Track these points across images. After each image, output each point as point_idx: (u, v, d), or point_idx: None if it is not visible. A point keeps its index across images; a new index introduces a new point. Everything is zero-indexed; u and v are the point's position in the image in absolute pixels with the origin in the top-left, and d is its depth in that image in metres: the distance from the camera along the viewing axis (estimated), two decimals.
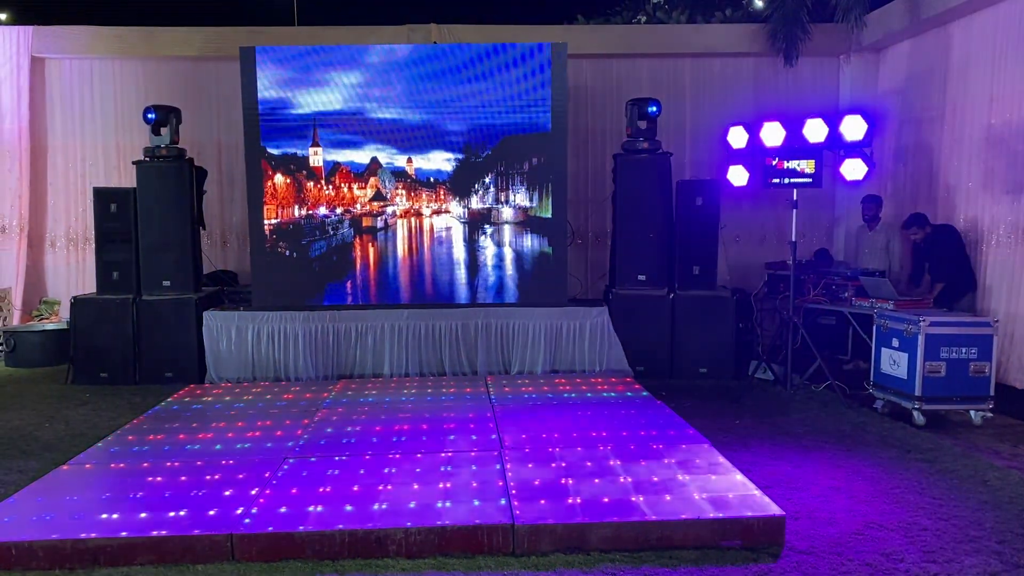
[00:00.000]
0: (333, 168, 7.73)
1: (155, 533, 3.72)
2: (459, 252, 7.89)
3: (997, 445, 5.55)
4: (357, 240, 7.83)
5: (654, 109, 7.78)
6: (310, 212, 7.75)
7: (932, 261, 7.57)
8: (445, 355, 7.48)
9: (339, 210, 7.78)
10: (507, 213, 7.87)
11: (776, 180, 7.14)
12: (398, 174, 7.80)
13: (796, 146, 7.00)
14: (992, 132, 7.44)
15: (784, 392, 7.03)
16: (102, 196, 7.69)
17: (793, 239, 7.22)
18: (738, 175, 7.46)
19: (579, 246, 9.33)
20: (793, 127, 6.97)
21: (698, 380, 7.53)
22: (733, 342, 7.66)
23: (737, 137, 7.43)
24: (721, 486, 4.28)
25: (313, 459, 4.87)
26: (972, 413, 6.03)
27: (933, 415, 6.05)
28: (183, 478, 4.52)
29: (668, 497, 4.13)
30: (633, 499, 4.11)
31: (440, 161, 7.76)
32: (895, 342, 6.16)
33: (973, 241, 7.64)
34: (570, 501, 4.08)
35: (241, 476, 4.55)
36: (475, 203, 7.87)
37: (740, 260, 9.15)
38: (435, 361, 7.50)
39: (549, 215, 7.81)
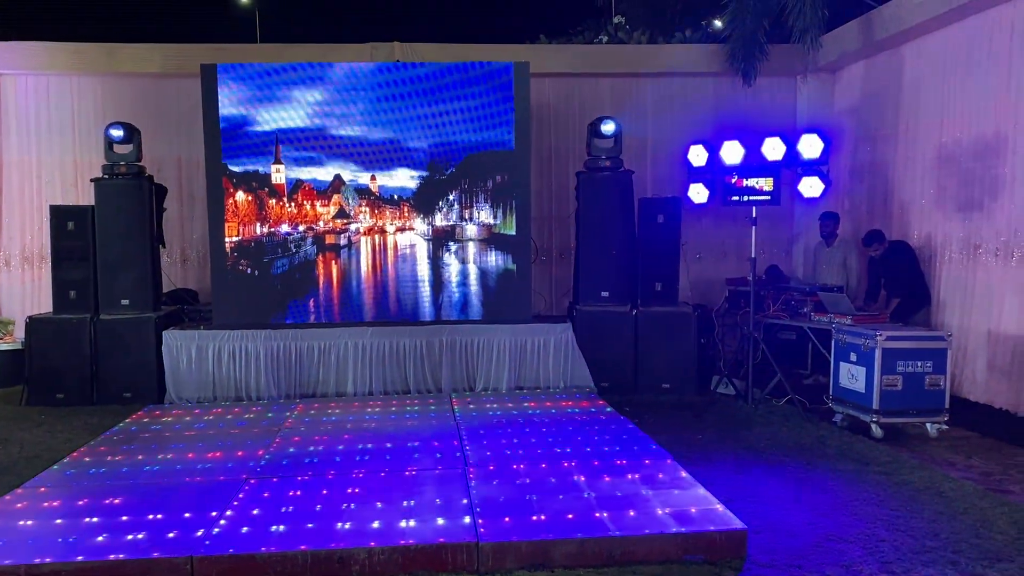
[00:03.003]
0: (296, 185, 7.70)
1: (113, 557, 3.65)
2: (423, 269, 7.87)
3: (952, 457, 5.64)
4: (320, 258, 7.80)
5: (616, 128, 7.85)
6: (272, 230, 7.71)
7: (888, 277, 7.68)
8: (409, 373, 7.46)
9: (302, 227, 7.74)
10: (471, 230, 7.90)
11: (736, 197, 7.21)
12: (362, 191, 7.79)
13: (755, 164, 7.07)
14: (943, 151, 7.60)
15: (746, 407, 7.08)
16: (59, 214, 7.56)
17: (753, 255, 7.29)
18: (699, 193, 7.52)
19: (543, 263, 9.39)
20: (752, 145, 7.06)
21: (661, 395, 7.56)
22: (695, 357, 7.72)
23: (697, 155, 7.49)
24: (684, 501, 4.31)
25: (275, 479, 4.82)
26: (928, 426, 6.10)
27: (891, 428, 6.11)
28: (142, 500, 4.44)
29: (632, 512, 4.15)
30: (597, 515, 4.12)
31: (404, 178, 7.77)
32: (853, 356, 6.23)
33: (927, 257, 7.78)
34: (534, 518, 4.09)
35: (202, 498, 4.48)
36: (439, 220, 7.87)
37: (702, 276, 9.23)
38: (399, 379, 7.46)
39: (513, 232, 7.86)
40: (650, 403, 7.29)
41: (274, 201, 7.70)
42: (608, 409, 6.65)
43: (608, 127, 7.85)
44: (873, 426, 6.06)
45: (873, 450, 5.75)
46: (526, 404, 6.89)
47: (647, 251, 7.88)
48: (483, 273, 7.91)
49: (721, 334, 7.98)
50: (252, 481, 4.80)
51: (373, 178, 7.79)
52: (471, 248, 7.91)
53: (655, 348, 7.68)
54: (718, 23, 10.86)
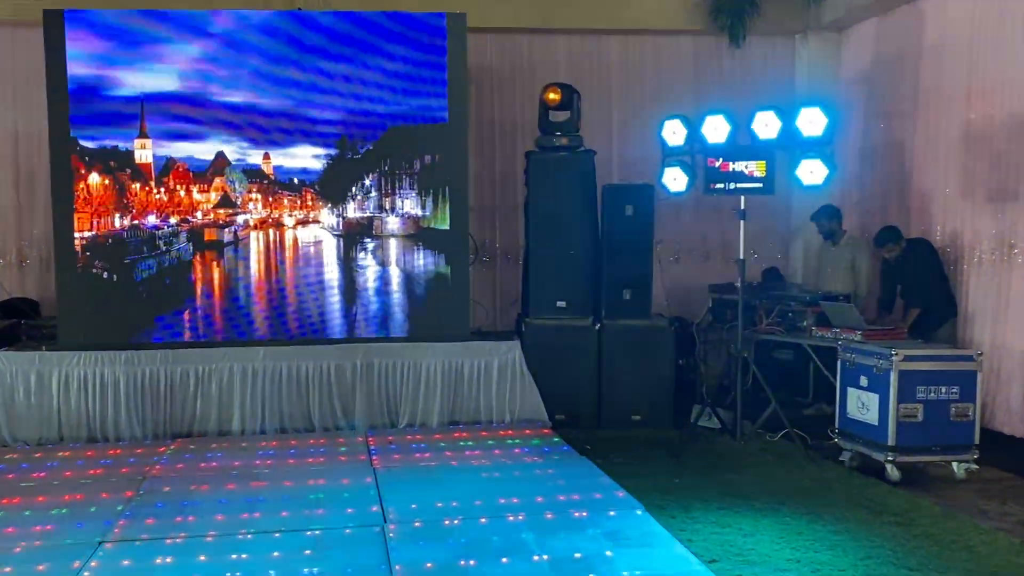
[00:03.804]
0: (166, 165, 7.61)
1: None
2: (331, 273, 7.82)
3: (983, 503, 5.70)
4: (198, 258, 7.72)
5: (574, 98, 7.82)
6: (136, 222, 7.60)
7: (906, 283, 7.77)
8: (313, 405, 7.44)
9: (174, 220, 7.67)
10: (393, 224, 7.86)
11: (720, 185, 7.22)
12: (252, 174, 7.72)
13: (744, 144, 7.12)
14: (971, 129, 7.72)
15: (733, 443, 7.14)
16: None
17: (741, 256, 7.31)
18: (676, 179, 7.44)
19: (485, 265, 9.36)
20: (741, 121, 7.10)
21: (630, 430, 7.60)
22: (672, 382, 7.77)
23: (674, 132, 7.44)
24: (658, 561, 4.35)
25: (138, 543, 4.74)
26: (954, 465, 6.17)
27: (909, 468, 6.17)
28: None
29: None
30: None
31: (307, 158, 7.72)
32: (863, 381, 6.28)
33: (953, 259, 7.87)
34: None
35: (42, 568, 4.37)
36: (352, 211, 7.83)
37: (680, 282, 9.18)
38: (300, 413, 7.44)
39: (447, 226, 7.85)
40: (617, 440, 7.32)
41: (138, 186, 7.58)
42: (565, 447, 6.70)
43: (565, 97, 7.84)
44: (888, 466, 6.12)
45: (889, 496, 5.82)
46: (462, 443, 6.91)
47: (613, 251, 7.92)
48: (408, 278, 7.87)
49: (704, 353, 8.08)
50: (108, 545, 4.69)
51: (267, 157, 7.72)
52: (393, 246, 7.87)
53: (623, 371, 7.74)
54: None
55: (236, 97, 7.60)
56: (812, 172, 6.86)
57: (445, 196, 7.85)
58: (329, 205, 7.84)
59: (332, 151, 7.77)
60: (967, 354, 6.24)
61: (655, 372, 7.74)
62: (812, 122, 6.80)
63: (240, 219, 7.77)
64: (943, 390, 6.07)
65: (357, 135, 7.74)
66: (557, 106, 7.96)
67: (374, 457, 6.49)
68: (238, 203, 7.75)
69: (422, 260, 7.89)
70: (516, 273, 9.03)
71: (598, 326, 7.82)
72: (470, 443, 6.90)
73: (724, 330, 7.84)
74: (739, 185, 7.19)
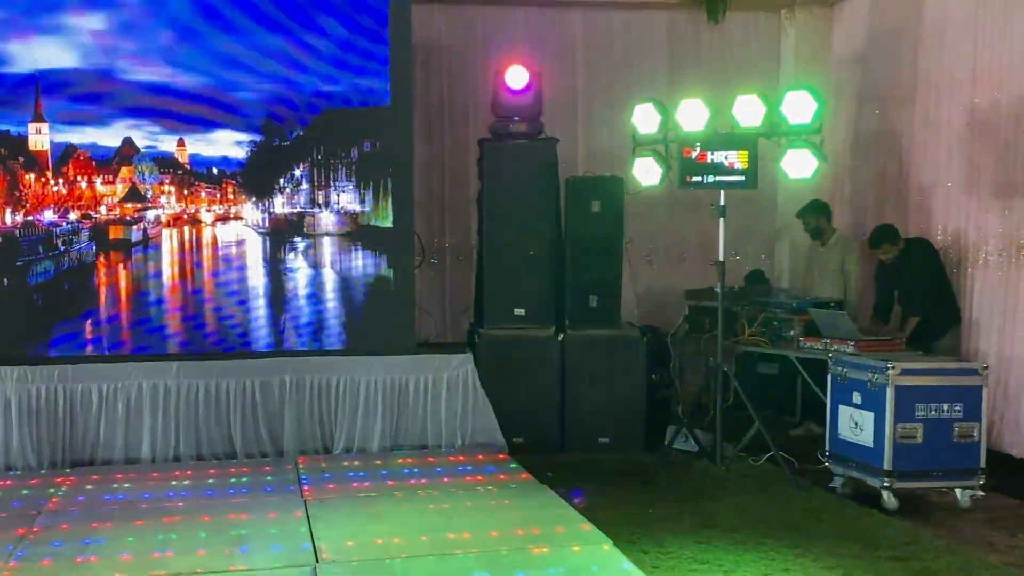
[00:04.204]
0: (65, 153, 7.52)
1: None
2: (256, 277, 7.78)
3: (990, 534, 5.76)
4: (102, 259, 7.62)
5: (534, 79, 7.86)
6: (30, 218, 7.50)
7: (903, 288, 7.86)
8: (236, 428, 7.37)
9: (74, 215, 7.58)
10: (328, 220, 7.84)
11: (697, 178, 7.26)
12: (164, 163, 7.65)
13: (724, 132, 7.18)
14: (976, 115, 7.78)
15: (713, 468, 7.19)
16: None
17: (721, 258, 7.33)
18: (648, 170, 7.49)
19: (432, 268, 9.34)
20: (720, 106, 7.18)
21: (598, 454, 7.63)
22: (644, 400, 7.83)
23: (646, 118, 7.49)
24: None
25: None
26: (958, 492, 6.22)
27: (908, 495, 6.23)
28: None
29: None
30: None
31: (228, 145, 7.67)
32: (857, 397, 6.35)
33: (955, 261, 7.94)
34: None
35: None
36: (280, 206, 7.80)
37: (653, 287, 9.27)
38: (220, 438, 7.38)
39: (389, 224, 7.85)
40: (582, 465, 7.36)
41: (33, 176, 7.51)
42: (523, 475, 6.68)
43: (523, 77, 7.86)
44: (885, 493, 6.17)
45: (885, 527, 5.86)
46: (407, 470, 6.88)
47: (578, 252, 7.97)
48: (345, 283, 7.86)
49: (679, 368, 8.15)
50: None
51: (181, 143, 7.66)
52: (327, 246, 7.85)
53: (589, 388, 7.78)
54: None
55: (147, 75, 7.49)
56: (799, 163, 6.92)
57: (387, 189, 7.84)
58: (253, 199, 7.78)
59: (257, 137, 7.70)
60: (971, 367, 6.32)
61: (625, 389, 7.79)
62: (799, 108, 6.84)
63: (151, 215, 7.69)
64: (945, 408, 6.13)
65: (286, 119, 7.69)
66: (515, 88, 7.94)
67: (305, 487, 6.43)
68: (148, 196, 7.65)
69: (361, 262, 7.86)
70: (468, 277, 9.08)
71: (561, 337, 7.86)
72: (415, 470, 6.88)
73: (702, 341, 7.83)
74: (718, 178, 7.23)
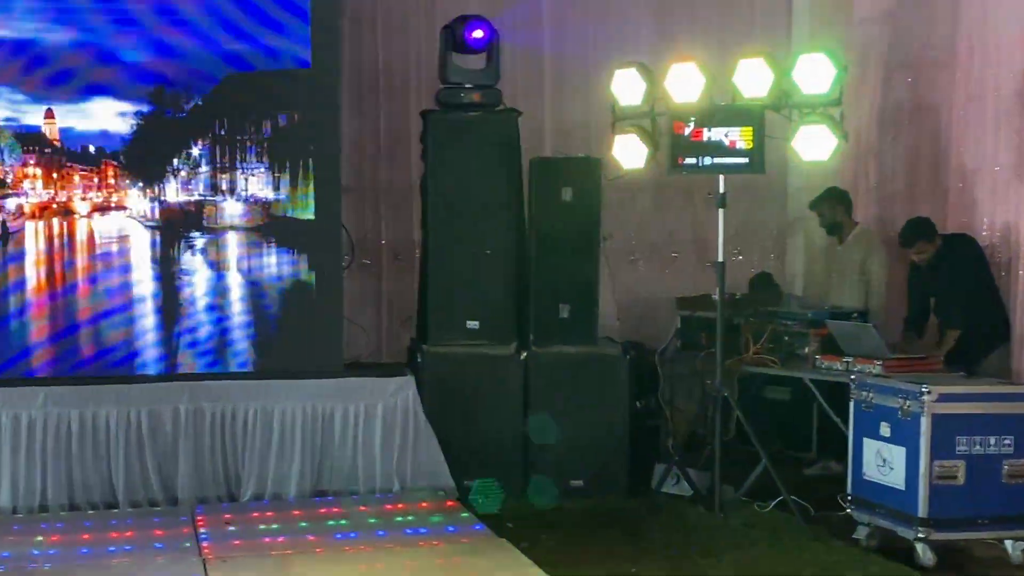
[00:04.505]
0: None
1: None
2: (144, 282, 7.48)
3: None
4: None
5: (490, 35, 7.61)
6: None
7: (941, 295, 7.60)
8: (117, 470, 7.02)
9: None
10: (233, 211, 7.59)
11: (691, 160, 7.15)
12: (28, 139, 7.38)
13: (724, 104, 7.01)
14: None
15: (710, 517, 6.99)
16: None
17: (720, 258, 7.18)
18: (631, 150, 7.35)
19: (366, 270, 9.11)
20: (719, 73, 6.99)
21: (569, 500, 7.34)
22: (626, 433, 7.59)
23: (629, 87, 7.32)
24: None
25: None
26: (1009, 544, 6.00)
27: (947, 549, 6.03)
28: None
29: None
30: None
31: (108, 117, 7.40)
32: (885, 429, 6.15)
33: (1005, 261, 7.66)
34: None
35: None
36: (174, 193, 7.52)
37: (637, 294, 9.15)
38: (99, 482, 7.03)
39: (310, 215, 7.62)
40: (550, 513, 7.14)
41: None
42: (477, 526, 6.52)
43: (477, 34, 7.59)
44: (919, 546, 5.92)
45: None
46: (332, 522, 6.63)
47: (545, 250, 7.69)
48: (255, 289, 7.62)
49: (670, 393, 7.94)
50: None
51: (50, 115, 7.37)
52: (233, 243, 7.59)
53: (559, 418, 7.47)
54: None
55: (6, 30, 7.21)
56: (815, 142, 6.79)
57: (308, 172, 7.59)
58: (140, 184, 7.50)
59: (145, 107, 7.42)
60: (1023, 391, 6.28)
61: (603, 419, 7.52)
62: (815, 75, 6.68)
63: (11, 203, 7.40)
64: (992, 442, 5.93)
65: (181, 85, 7.44)
66: (469, 45, 7.69)
67: (204, 544, 6.17)
68: (8, 181, 7.38)
69: (275, 263, 7.62)
70: (410, 281, 8.76)
71: (524, 355, 7.58)
72: (343, 522, 6.63)
73: (697, 360, 7.62)
74: (717, 160, 7.11)
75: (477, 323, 7.61)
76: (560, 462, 7.47)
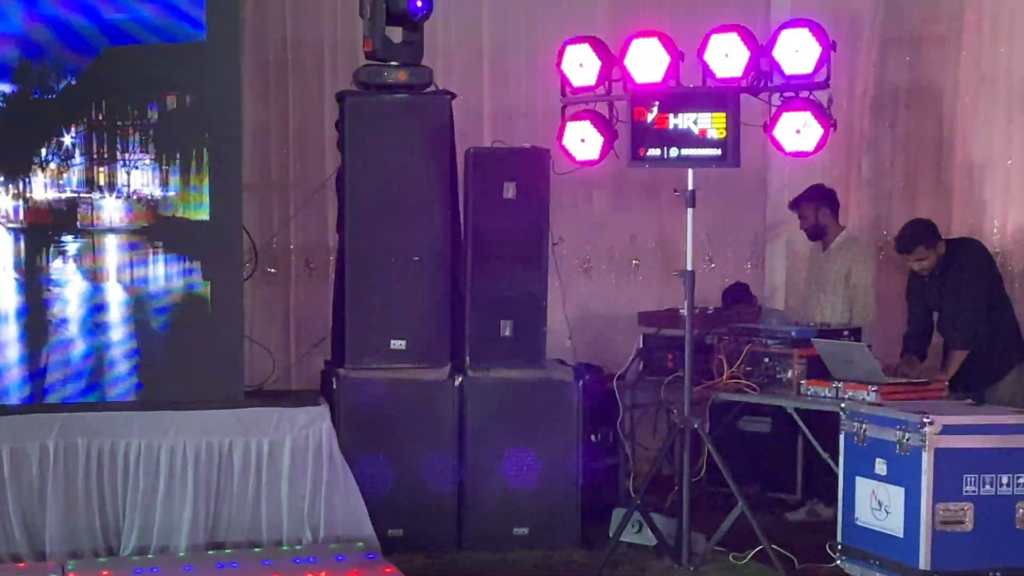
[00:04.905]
0: None
1: None
2: (6, 294, 7.00)
3: None
4: None
5: (419, 4, 7.24)
6: None
7: (945, 309, 7.32)
8: None
9: None
10: (113, 210, 7.11)
11: (654, 151, 6.89)
12: None
13: (693, 86, 6.90)
14: None
15: (678, 570, 6.79)
16: None
17: (689, 266, 6.88)
18: (584, 140, 7.19)
19: (271, 280, 8.74)
20: (687, 48, 6.88)
21: (512, 551, 7.13)
22: (579, 472, 7.30)
23: (581, 65, 7.15)
24: None
25: None
26: None
27: None
28: None
29: None
30: None
31: None
32: (881, 466, 6.05)
33: (1016, 270, 7.58)
34: None
35: None
36: (41, 189, 7.02)
37: (592, 308, 8.88)
38: None
39: (205, 215, 7.18)
40: (490, 568, 6.96)
41: None
42: None
43: (405, 4, 7.24)
44: None
45: None
46: None
47: (484, 257, 7.41)
48: (139, 303, 7.11)
49: (630, 424, 7.77)
50: None
51: None
52: (113, 249, 7.11)
53: (500, 454, 7.25)
54: None
55: None
56: (798, 131, 6.68)
57: (203, 164, 7.09)
58: (1, 179, 6.95)
59: (7, 87, 6.90)
60: None
61: (552, 455, 7.21)
62: (798, 52, 6.58)
63: None
64: (1005, 480, 5.79)
65: (51, 59, 6.90)
66: (395, 14, 7.33)
67: None
68: None
69: (163, 272, 7.11)
70: (324, 294, 8.45)
71: (459, 381, 7.25)
72: None
73: (662, 386, 7.30)
74: (685, 151, 6.86)
75: (403, 343, 7.28)
76: (502, 507, 7.20)
